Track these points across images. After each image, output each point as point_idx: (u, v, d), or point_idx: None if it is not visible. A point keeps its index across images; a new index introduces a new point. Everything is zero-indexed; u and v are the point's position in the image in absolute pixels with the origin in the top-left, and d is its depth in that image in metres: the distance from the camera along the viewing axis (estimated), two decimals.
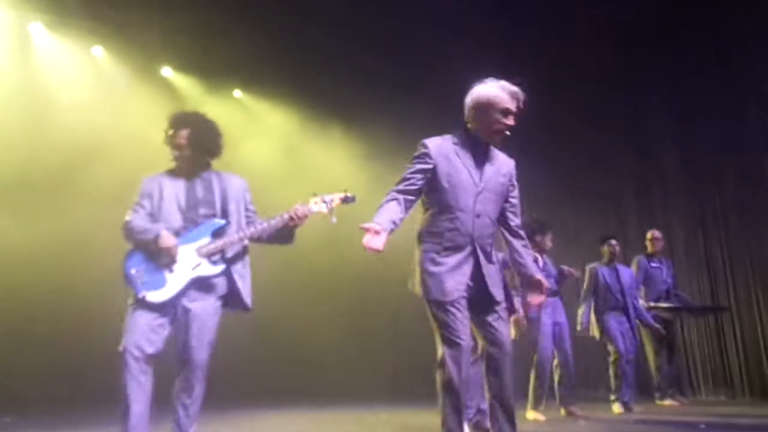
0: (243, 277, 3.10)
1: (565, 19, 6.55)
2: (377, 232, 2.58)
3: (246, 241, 3.11)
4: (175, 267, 2.94)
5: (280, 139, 8.68)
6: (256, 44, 7.10)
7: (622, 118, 7.83)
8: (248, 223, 3.16)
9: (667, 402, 5.82)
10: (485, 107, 2.82)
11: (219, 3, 6.53)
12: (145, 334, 2.83)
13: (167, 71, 7.92)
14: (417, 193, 2.83)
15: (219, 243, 3.01)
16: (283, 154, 8.62)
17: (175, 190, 3.08)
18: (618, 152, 7.91)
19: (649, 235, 6.25)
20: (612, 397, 5.34)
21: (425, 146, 2.85)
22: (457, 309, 2.71)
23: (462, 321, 2.70)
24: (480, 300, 2.80)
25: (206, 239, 3.02)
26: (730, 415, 4.80)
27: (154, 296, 2.89)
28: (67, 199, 6.46)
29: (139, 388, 2.76)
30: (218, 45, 7.11)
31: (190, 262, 2.97)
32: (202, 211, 3.07)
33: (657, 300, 5.92)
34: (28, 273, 6.26)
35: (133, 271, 2.93)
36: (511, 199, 2.95)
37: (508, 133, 2.84)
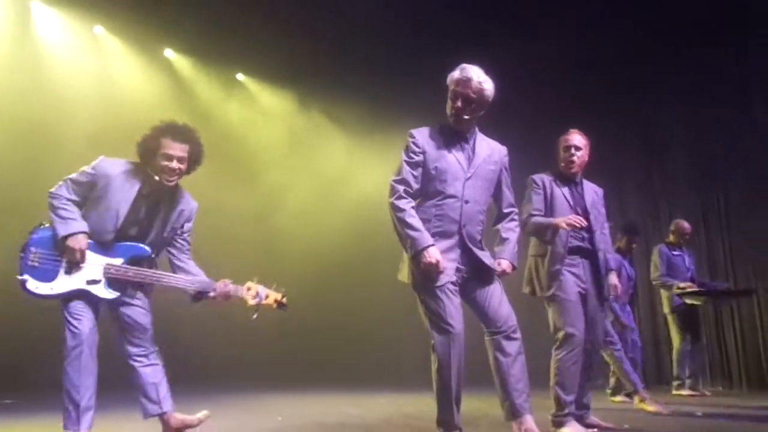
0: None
1: (568, 15, 6.46)
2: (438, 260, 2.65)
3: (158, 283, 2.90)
4: (74, 271, 2.77)
5: (280, 121, 8.66)
6: (258, 28, 7.03)
7: (627, 113, 7.73)
8: (174, 260, 2.97)
9: (685, 392, 5.75)
10: (448, 91, 2.84)
11: None
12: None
13: (169, 53, 7.89)
14: (418, 190, 2.82)
15: (130, 272, 2.83)
16: (283, 136, 8.62)
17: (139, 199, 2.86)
18: (622, 147, 7.82)
19: (672, 226, 6.21)
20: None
21: (412, 136, 2.85)
22: (446, 295, 2.69)
23: (452, 307, 2.69)
24: (476, 276, 2.81)
25: (119, 260, 2.85)
26: (727, 406, 4.79)
27: (34, 286, 2.73)
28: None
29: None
30: (221, 28, 7.04)
31: (90, 274, 2.79)
32: (147, 232, 2.89)
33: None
34: None
35: (32, 250, 2.75)
36: (503, 186, 2.98)
37: (465, 117, 2.79)
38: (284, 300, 2.98)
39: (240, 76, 8.54)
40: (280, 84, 8.51)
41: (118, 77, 7.22)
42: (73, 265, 2.77)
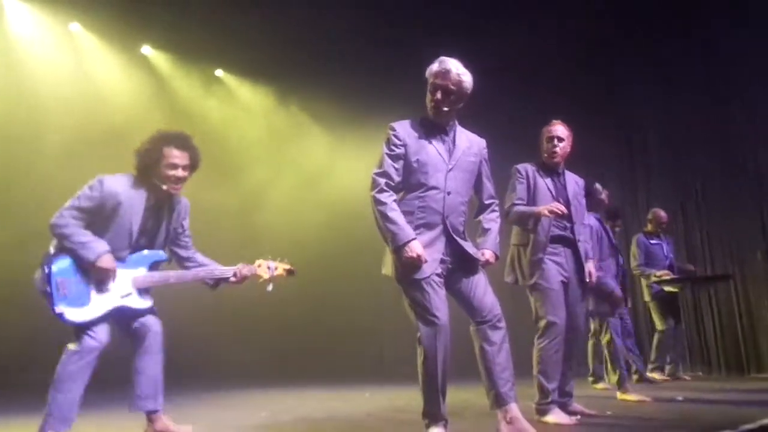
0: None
1: (549, 10, 6.51)
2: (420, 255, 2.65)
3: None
4: (104, 290, 2.80)
5: (260, 118, 8.62)
6: (236, 23, 6.96)
7: (606, 103, 7.82)
8: (183, 256, 3.09)
9: (658, 376, 5.84)
10: (427, 84, 2.85)
11: None
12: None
13: (147, 50, 7.79)
14: (400, 183, 2.82)
15: (156, 277, 2.92)
16: (263, 133, 8.58)
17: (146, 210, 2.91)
18: (602, 137, 7.90)
19: (650, 215, 6.30)
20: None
21: (393, 129, 2.85)
22: (432, 287, 2.70)
23: (437, 299, 2.70)
24: (461, 267, 2.83)
25: (142, 269, 2.92)
26: (706, 390, 4.89)
27: (72, 314, 2.71)
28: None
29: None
30: (200, 23, 6.97)
31: (121, 289, 2.84)
32: (155, 238, 2.98)
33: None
34: None
35: (58, 280, 2.72)
36: (483, 177, 3.00)
37: (444, 109, 2.81)
38: (292, 267, 3.22)
39: (219, 73, 8.48)
40: (259, 80, 8.46)
41: (95, 75, 7.11)
42: (102, 285, 2.78)
